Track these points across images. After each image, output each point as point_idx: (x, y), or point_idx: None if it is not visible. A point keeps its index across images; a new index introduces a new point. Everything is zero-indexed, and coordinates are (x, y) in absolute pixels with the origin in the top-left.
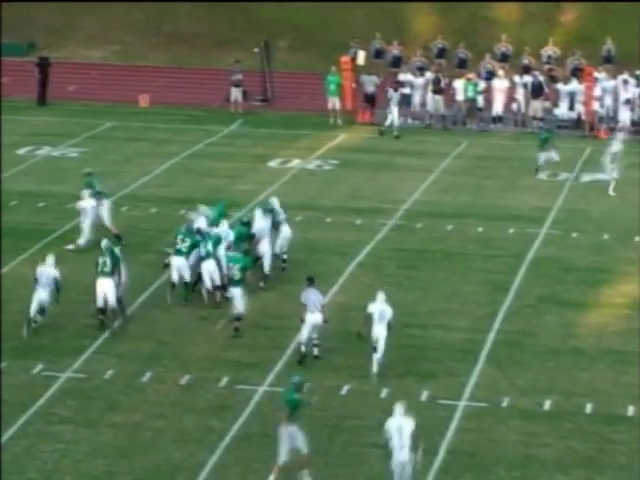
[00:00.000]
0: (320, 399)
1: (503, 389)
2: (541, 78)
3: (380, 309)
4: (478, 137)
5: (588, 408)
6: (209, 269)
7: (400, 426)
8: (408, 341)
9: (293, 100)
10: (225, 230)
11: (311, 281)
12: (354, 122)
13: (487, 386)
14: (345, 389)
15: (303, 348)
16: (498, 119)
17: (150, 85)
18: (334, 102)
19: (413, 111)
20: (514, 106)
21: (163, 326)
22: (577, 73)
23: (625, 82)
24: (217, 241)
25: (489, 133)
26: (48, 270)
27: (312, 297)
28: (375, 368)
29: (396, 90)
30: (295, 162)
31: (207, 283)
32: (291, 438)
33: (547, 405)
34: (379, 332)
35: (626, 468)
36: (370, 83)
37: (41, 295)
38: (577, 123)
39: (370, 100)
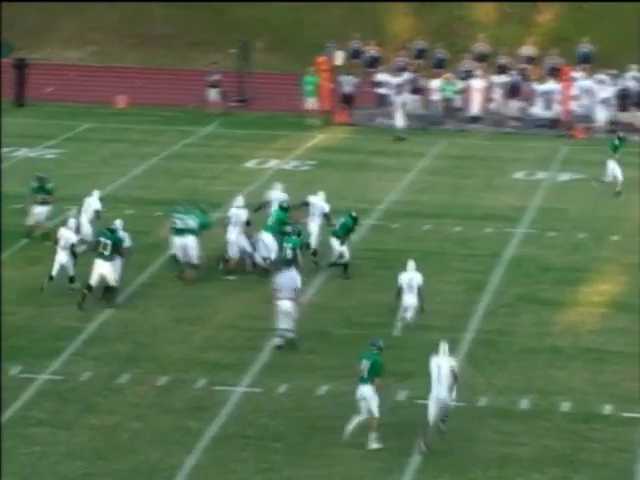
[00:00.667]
0: (297, 400)
1: (480, 388)
2: (518, 77)
3: (409, 277)
4: (456, 137)
5: (565, 407)
6: (189, 244)
7: (440, 365)
8: (385, 341)
9: (270, 101)
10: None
11: (287, 263)
12: (331, 122)
13: (464, 385)
14: (323, 390)
15: (277, 340)
16: (476, 119)
17: (127, 86)
18: (311, 102)
19: (391, 111)
20: (492, 106)
21: (140, 327)
22: (554, 72)
23: (601, 82)
24: (205, 223)
25: (467, 133)
26: (68, 235)
27: (283, 281)
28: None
29: (399, 94)
30: (272, 162)
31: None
32: (367, 399)
33: (524, 404)
34: (409, 301)
35: (603, 466)
36: (347, 83)
37: (61, 257)
38: (554, 122)
39: (348, 100)
